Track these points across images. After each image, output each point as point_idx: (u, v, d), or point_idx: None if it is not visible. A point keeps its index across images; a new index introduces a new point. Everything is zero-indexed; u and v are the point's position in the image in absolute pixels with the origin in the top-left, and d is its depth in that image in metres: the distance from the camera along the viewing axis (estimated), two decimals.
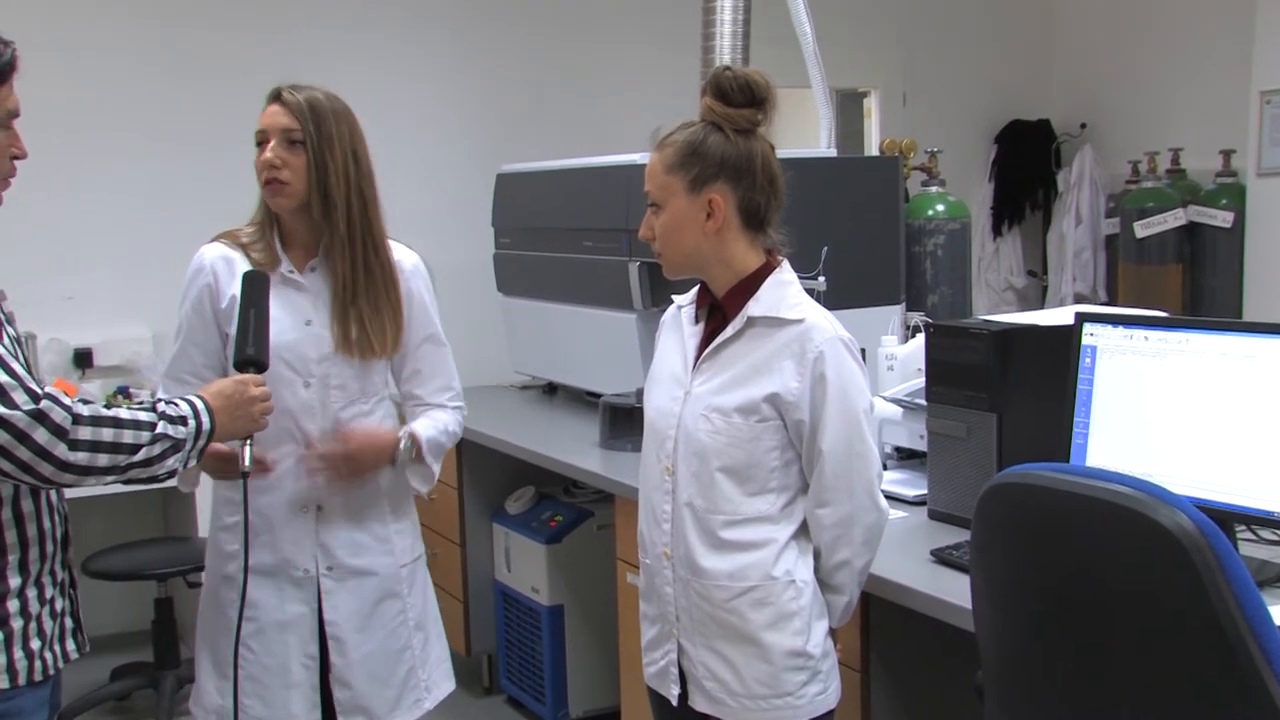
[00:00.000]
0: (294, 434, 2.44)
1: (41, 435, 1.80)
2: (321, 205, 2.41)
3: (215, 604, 2.52)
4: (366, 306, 2.45)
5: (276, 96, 2.43)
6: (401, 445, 2.48)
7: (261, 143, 2.42)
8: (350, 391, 2.47)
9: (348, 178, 2.42)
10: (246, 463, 2.23)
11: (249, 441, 2.22)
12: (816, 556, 2.13)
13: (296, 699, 2.48)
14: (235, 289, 2.42)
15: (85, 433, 1.84)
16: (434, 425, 2.54)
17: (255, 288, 2.36)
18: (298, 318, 2.45)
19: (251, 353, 2.26)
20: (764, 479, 2.10)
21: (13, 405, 1.78)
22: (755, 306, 2.11)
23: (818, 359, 2.06)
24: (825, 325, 2.09)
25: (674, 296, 2.31)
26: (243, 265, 2.46)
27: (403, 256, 2.54)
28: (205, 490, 4.17)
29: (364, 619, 2.50)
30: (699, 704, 2.16)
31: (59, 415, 1.82)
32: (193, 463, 2.05)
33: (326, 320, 2.45)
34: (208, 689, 2.52)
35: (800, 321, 2.08)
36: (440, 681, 2.65)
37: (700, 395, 2.13)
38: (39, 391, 1.81)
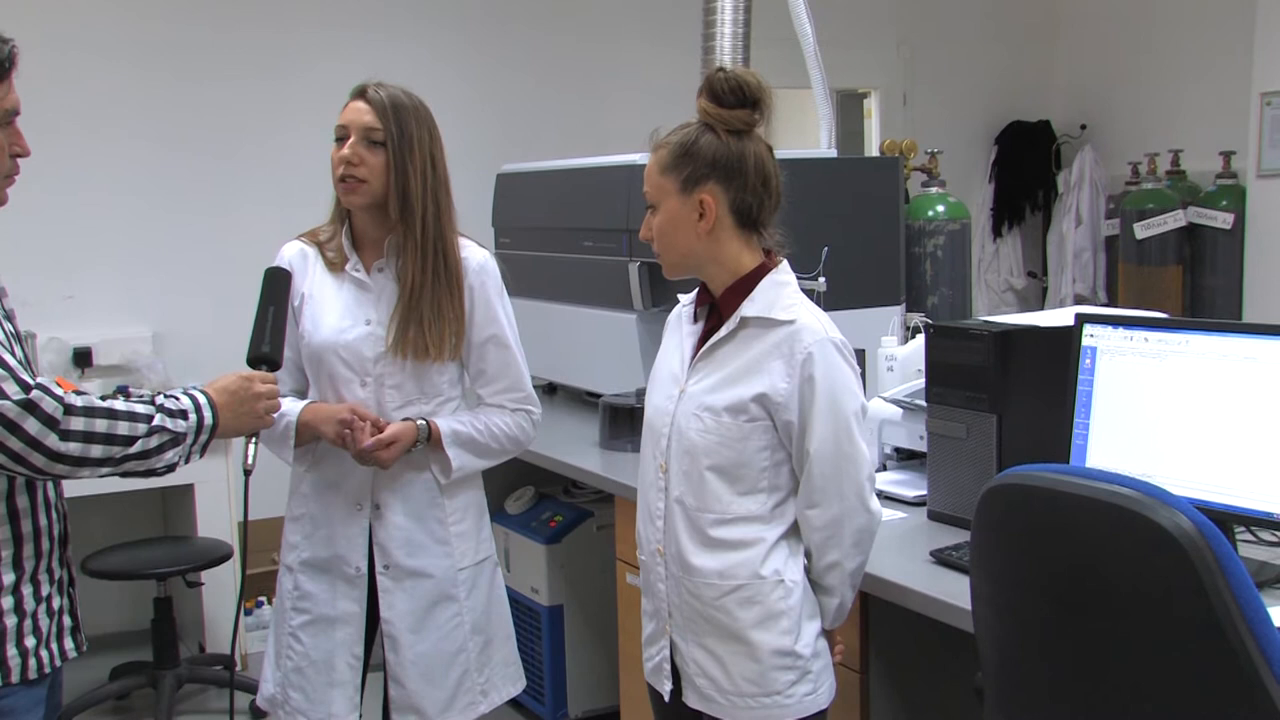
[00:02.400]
0: None
1: (32, 425, 1.79)
2: (400, 208, 2.41)
3: (279, 593, 2.59)
4: (429, 310, 2.44)
5: (361, 93, 2.43)
6: (418, 435, 2.46)
7: (341, 138, 2.42)
8: (407, 392, 2.48)
9: (425, 182, 2.42)
10: (250, 460, 2.23)
11: (254, 439, 2.22)
12: (808, 557, 2.14)
13: (339, 698, 2.50)
14: (307, 286, 2.49)
15: (78, 423, 1.84)
16: (467, 420, 2.53)
17: (276, 285, 2.36)
18: (359, 317, 2.47)
19: (266, 350, 2.27)
20: (754, 479, 2.10)
21: (3, 395, 1.78)
22: (749, 307, 2.11)
23: (806, 360, 2.06)
24: (815, 326, 2.09)
25: (679, 296, 2.31)
26: (318, 263, 2.51)
27: (470, 254, 2.52)
28: (204, 490, 4.21)
29: (418, 620, 2.51)
30: (691, 700, 2.17)
31: (50, 405, 1.81)
32: (195, 458, 2.04)
33: (386, 320, 2.46)
34: (265, 675, 2.58)
35: (791, 322, 2.09)
36: (502, 685, 2.64)
37: (693, 394, 2.14)
38: (30, 382, 1.81)
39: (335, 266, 2.50)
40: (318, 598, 2.51)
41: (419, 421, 2.47)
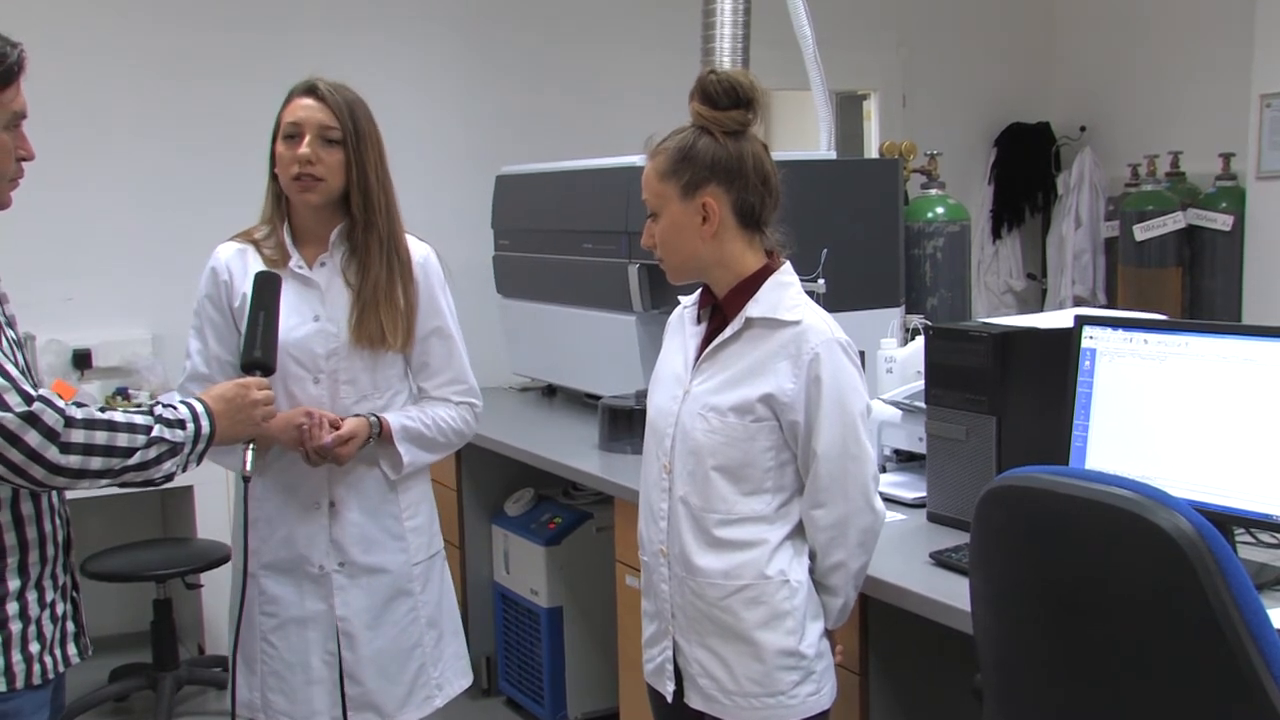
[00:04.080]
0: None
1: (33, 438, 1.79)
2: (362, 204, 2.43)
3: (245, 598, 2.56)
4: (385, 302, 2.45)
5: (311, 90, 2.42)
6: (371, 431, 2.46)
7: (292, 136, 2.41)
8: (361, 386, 2.48)
9: (380, 176, 2.45)
10: (248, 466, 2.23)
11: (251, 445, 2.22)
12: (812, 558, 2.14)
13: (319, 694, 2.51)
14: (248, 286, 2.44)
15: (78, 436, 1.83)
16: (416, 415, 2.53)
17: (266, 289, 2.36)
18: (306, 314, 2.46)
19: (258, 355, 2.27)
20: (759, 479, 2.11)
21: (5, 407, 1.78)
22: (754, 308, 2.12)
23: (813, 361, 2.07)
24: (822, 327, 2.09)
25: (680, 297, 2.32)
26: (256, 262, 2.48)
27: (413, 249, 2.54)
28: (203, 491, 4.21)
29: (375, 616, 2.51)
30: (694, 701, 2.18)
31: (51, 418, 1.81)
32: (193, 466, 2.04)
33: (336, 315, 2.46)
34: (239, 682, 2.56)
35: (797, 323, 2.09)
36: (453, 679, 2.65)
37: (698, 395, 2.14)
38: (32, 394, 1.81)
39: (276, 264, 2.46)
40: (285, 600, 2.50)
41: (370, 418, 2.47)
